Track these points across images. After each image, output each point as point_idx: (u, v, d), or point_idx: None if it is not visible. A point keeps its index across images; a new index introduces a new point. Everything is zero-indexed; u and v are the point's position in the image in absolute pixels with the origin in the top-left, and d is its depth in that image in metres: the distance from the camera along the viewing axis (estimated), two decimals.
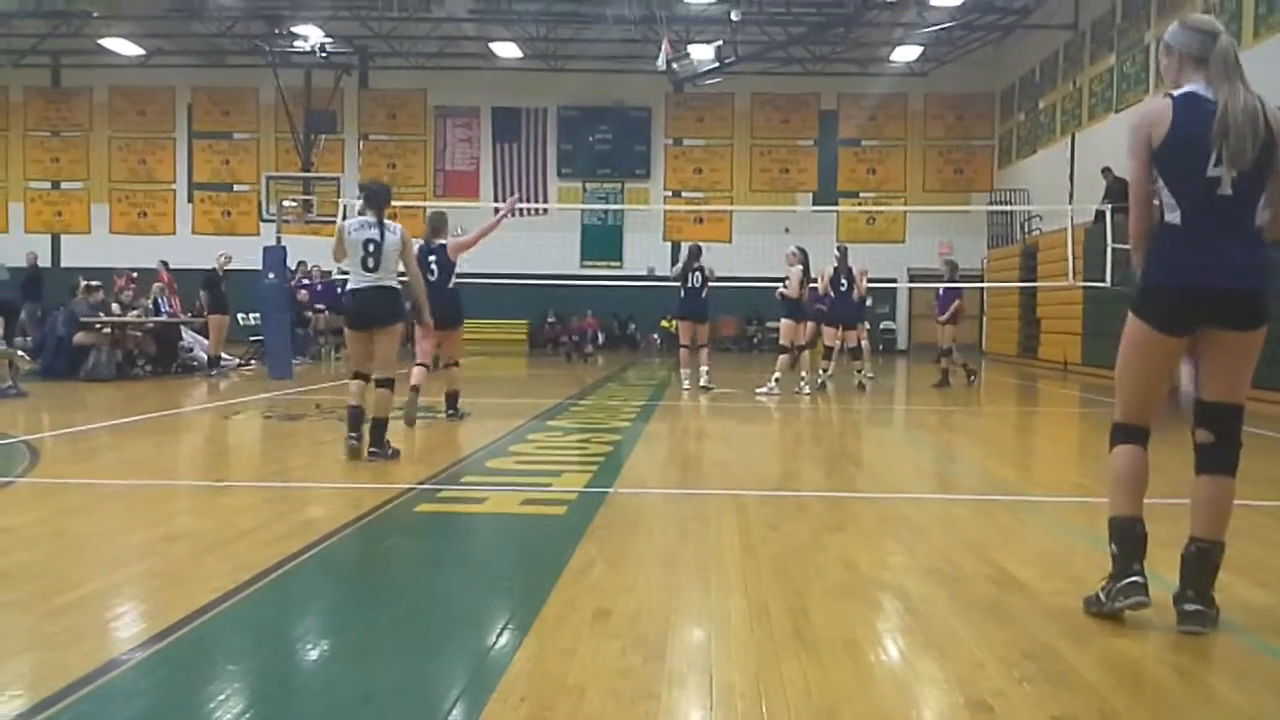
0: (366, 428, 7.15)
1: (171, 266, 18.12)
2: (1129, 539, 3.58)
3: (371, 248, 7.04)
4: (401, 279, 7.43)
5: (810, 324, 13.85)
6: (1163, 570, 4.46)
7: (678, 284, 13.46)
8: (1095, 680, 3.00)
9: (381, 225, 7.10)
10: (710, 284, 13.38)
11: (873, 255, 20.85)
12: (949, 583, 4.10)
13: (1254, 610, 3.78)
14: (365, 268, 7.06)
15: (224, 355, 16.69)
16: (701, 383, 13.24)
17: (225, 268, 16.33)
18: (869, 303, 15.00)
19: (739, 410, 11.58)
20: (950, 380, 14.83)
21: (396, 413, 7.86)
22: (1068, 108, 22.14)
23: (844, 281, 13.84)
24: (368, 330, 7.15)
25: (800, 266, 13.22)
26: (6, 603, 3.69)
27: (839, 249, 14.33)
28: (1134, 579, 3.51)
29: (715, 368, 13.82)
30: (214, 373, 15.58)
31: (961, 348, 15.24)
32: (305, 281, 19.98)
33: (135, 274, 16.97)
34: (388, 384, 7.23)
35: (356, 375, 7.29)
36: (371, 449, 7.13)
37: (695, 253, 13.52)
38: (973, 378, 15.09)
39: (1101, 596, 3.61)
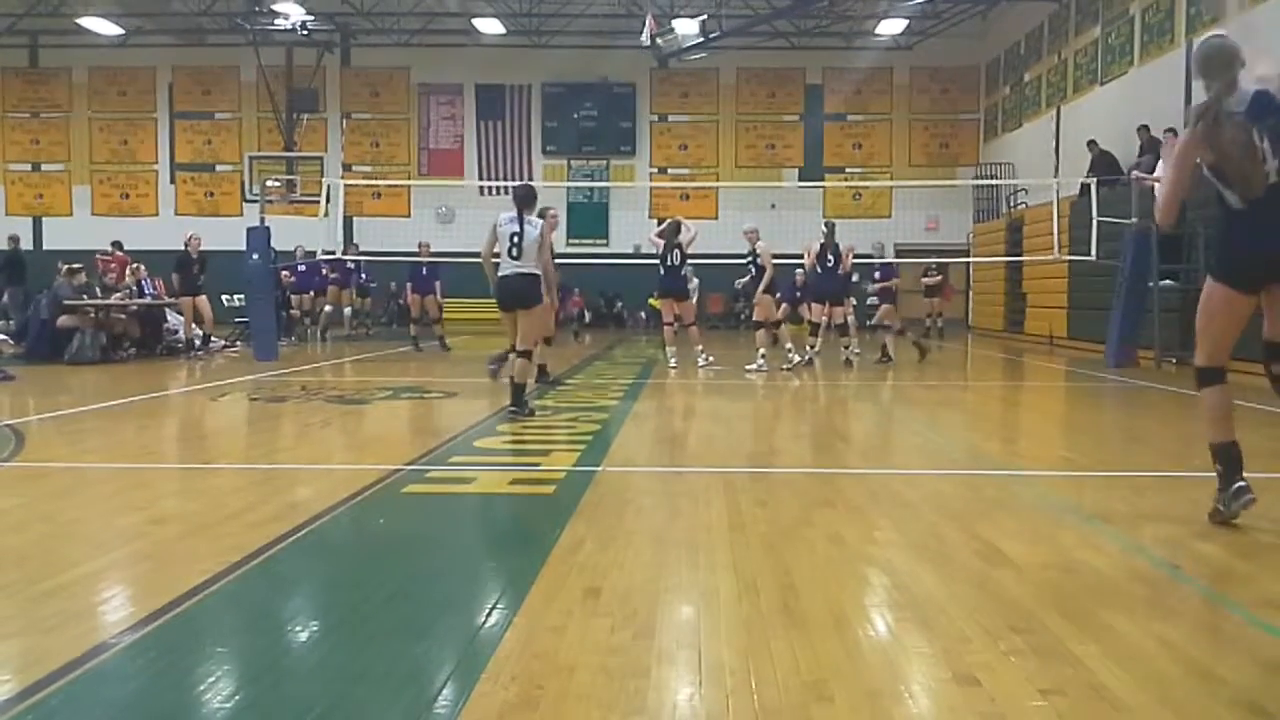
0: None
1: (156, 248, 18.05)
2: (1231, 458, 4.52)
3: (515, 239, 8.16)
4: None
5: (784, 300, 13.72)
6: (1155, 546, 4.50)
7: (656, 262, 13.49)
8: (1082, 653, 3.02)
9: (523, 220, 8.21)
10: (689, 260, 13.40)
11: (859, 231, 20.84)
12: (936, 557, 4.12)
13: (1240, 581, 3.82)
14: (511, 256, 8.19)
15: (212, 337, 16.61)
16: (699, 363, 13.23)
17: (198, 249, 16.14)
18: (855, 279, 14.99)
19: (727, 388, 11.58)
20: (893, 355, 14.54)
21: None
22: (1053, 80, 22.12)
23: (830, 257, 13.81)
24: (513, 311, 8.28)
25: (764, 243, 13.16)
26: None
27: (826, 225, 14.28)
28: (1242, 484, 4.45)
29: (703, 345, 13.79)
30: (192, 354, 15.51)
31: (911, 323, 15.15)
32: (349, 266, 19.94)
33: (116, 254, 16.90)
34: (527, 354, 8.34)
35: (512, 349, 8.39)
36: (511, 408, 8.18)
37: (674, 229, 13.50)
38: (924, 354, 14.92)
39: (1220, 508, 4.54)
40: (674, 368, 13.27)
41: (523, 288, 8.23)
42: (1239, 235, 4.46)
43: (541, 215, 9.05)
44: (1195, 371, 4.72)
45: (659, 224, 15.85)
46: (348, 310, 20.72)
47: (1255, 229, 4.36)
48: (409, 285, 18.14)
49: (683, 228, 13.61)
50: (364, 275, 22.60)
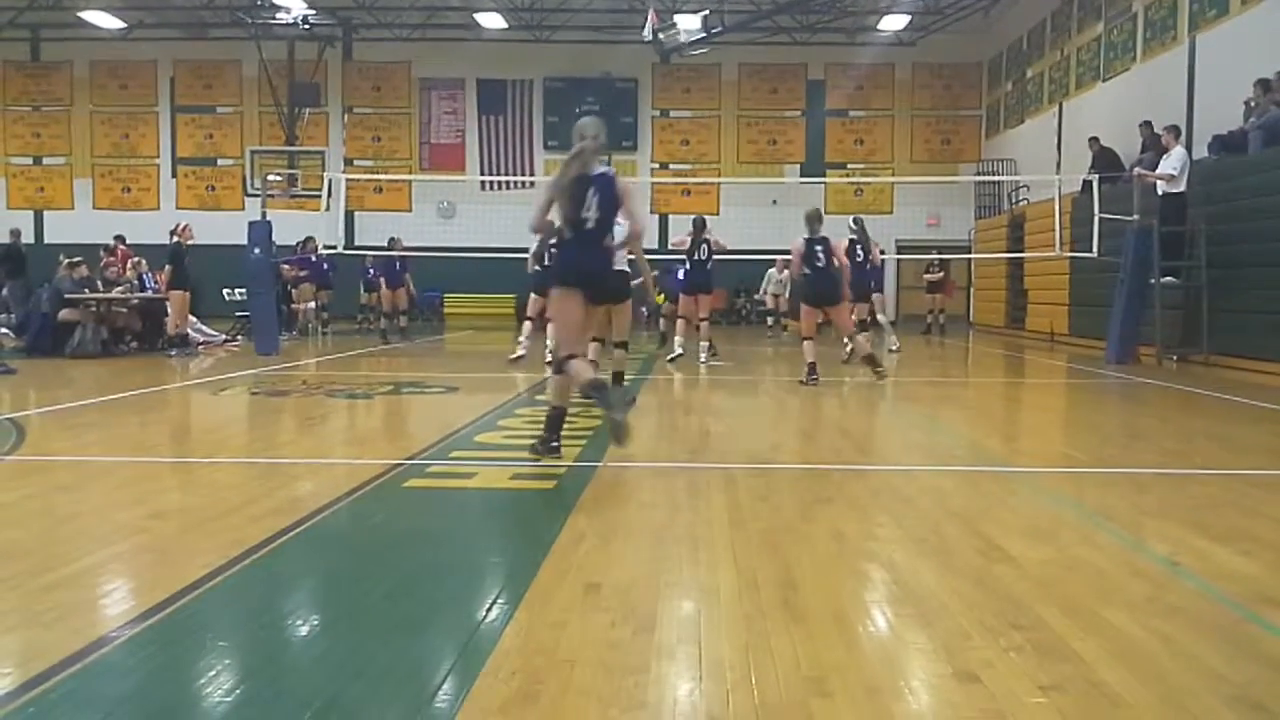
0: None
1: (158, 242, 17.99)
2: (560, 421, 6.21)
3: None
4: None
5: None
6: (1156, 543, 4.50)
7: (682, 257, 13.56)
8: (1083, 650, 3.02)
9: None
10: (716, 256, 13.46)
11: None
12: (937, 554, 4.12)
13: (1239, 579, 3.82)
14: None
15: (205, 331, 16.55)
16: (702, 358, 13.25)
17: (189, 241, 14.91)
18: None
19: (728, 383, 11.59)
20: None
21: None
22: (1055, 77, 22.09)
23: (860, 252, 13.55)
24: (602, 304, 8.53)
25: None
26: None
27: (854, 221, 13.95)
28: (558, 444, 6.18)
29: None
30: (173, 353, 14.43)
31: (913, 319, 15.43)
32: (313, 258, 19.86)
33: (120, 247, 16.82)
34: (624, 345, 8.82)
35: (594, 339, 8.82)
36: (592, 395, 8.71)
37: (700, 225, 13.51)
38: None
39: (537, 448, 6.15)
40: (677, 354, 13.31)
41: (614, 284, 8.43)
42: (570, 256, 6.34)
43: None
44: (561, 360, 6.07)
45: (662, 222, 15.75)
46: (311, 304, 20.48)
47: (579, 253, 6.27)
48: (382, 280, 18.54)
49: (707, 224, 13.68)
50: (370, 270, 22.62)
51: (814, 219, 11.17)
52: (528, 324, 13.24)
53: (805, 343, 11.08)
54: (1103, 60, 19.52)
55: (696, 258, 13.36)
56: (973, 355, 17.43)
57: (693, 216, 14.11)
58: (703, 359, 13.26)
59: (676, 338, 13.81)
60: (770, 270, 21.59)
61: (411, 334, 17.98)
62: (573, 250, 6.30)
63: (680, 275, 14.02)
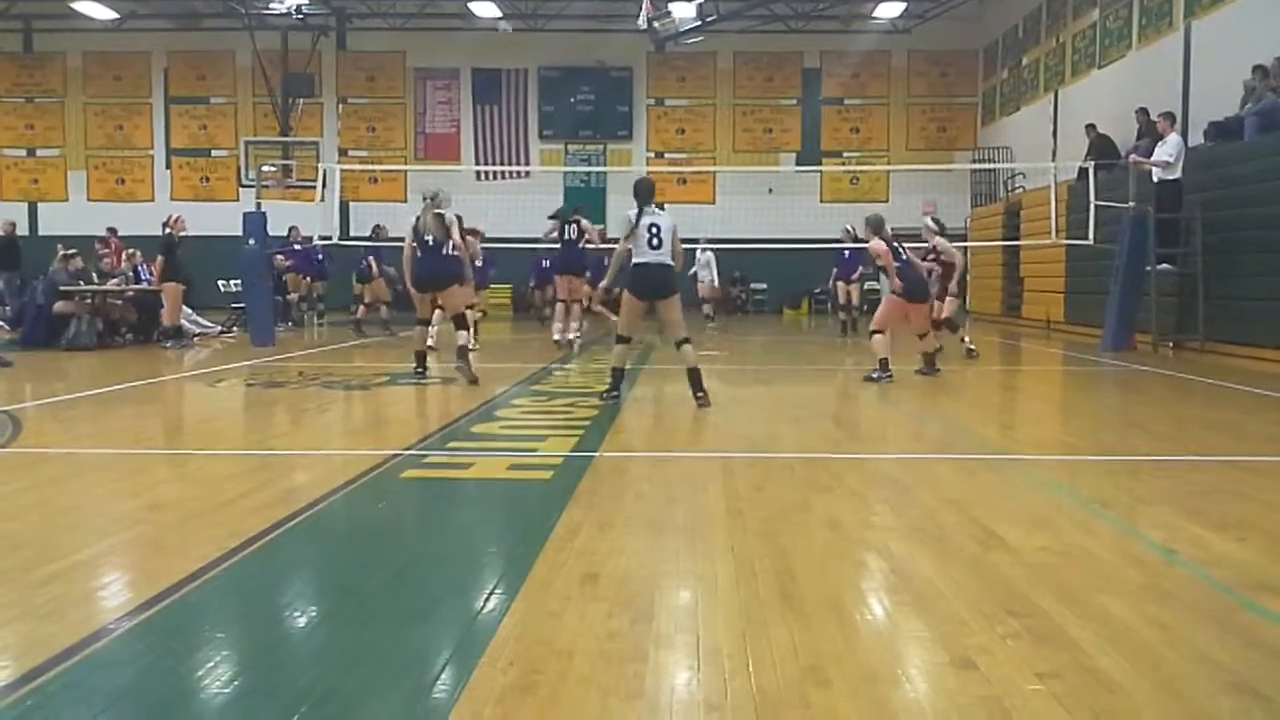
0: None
1: (153, 234, 17.90)
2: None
3: (655, 230, 8.28)
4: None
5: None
6: (1151, 530, 4.51)
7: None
8: (1079, 637, 3.03)
9: (657, 213, 8.43)
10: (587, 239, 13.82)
11: (857, 216, 20.79)
12: (933, 542, 4.13)
13: (1235, 566, 3.83)
14: (651, 247, 8.26)
15: (201, 322, 16.51)
16: (571, 336, 13.61)
17: (181, 233, 14.68)
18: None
19: (724, 373, 11.59)
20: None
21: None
22: (1051, 64, 22.06)
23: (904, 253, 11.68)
24: (651, 300, 8.39)
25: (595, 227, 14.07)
26: None
27: (934, 220, 13.05)
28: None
29: (696, 334, 13.79)
30: (169, 345, 14.23)
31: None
32: (296, 246, 19.77)
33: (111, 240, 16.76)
34: (687, 341, 8.42)
35: (620, 340, 8.54)
36: (699, 395, 8.29)
37: (571, 209, 14.21)
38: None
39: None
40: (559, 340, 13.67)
41: (666, 277, 8.32)
42: (419, 266, 9.72)
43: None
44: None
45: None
46: (293, 296, 20.36)
47: (425, 263, 9.67)
48: (355, 274, 18.55)
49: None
50: (364, 261, 22.52)
51: (881, 223, 10.77)
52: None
53: (877, 337, 10.51)
54: (1098, 47, 19.49)
55: (566, 237, 13.53)
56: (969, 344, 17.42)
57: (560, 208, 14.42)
58: (571, 337, 13.42)
59: (556, 324, 13.76)
60: (699, 253, 20.56)
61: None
62: (423, 260, 9.67)
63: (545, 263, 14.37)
